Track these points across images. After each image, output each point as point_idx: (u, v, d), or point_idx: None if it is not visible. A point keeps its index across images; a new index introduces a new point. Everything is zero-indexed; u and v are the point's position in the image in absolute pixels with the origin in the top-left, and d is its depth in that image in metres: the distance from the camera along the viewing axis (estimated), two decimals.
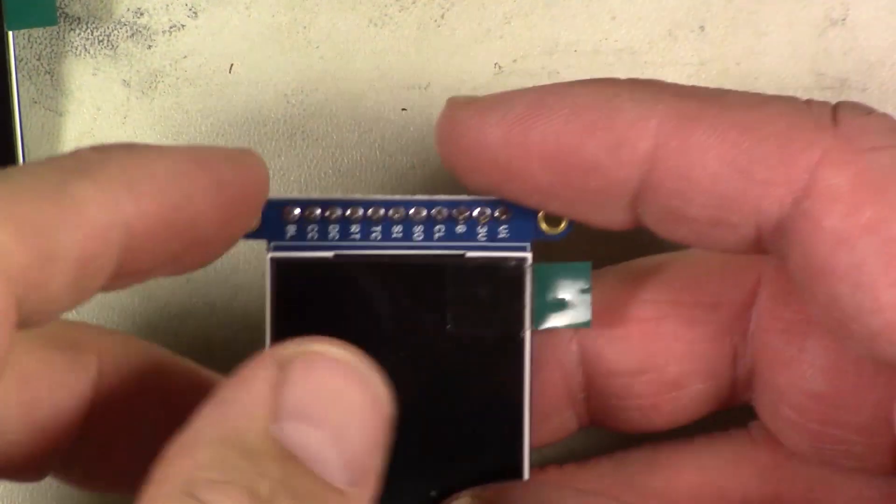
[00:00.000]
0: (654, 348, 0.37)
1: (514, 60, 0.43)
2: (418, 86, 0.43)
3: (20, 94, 0.41)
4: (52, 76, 0.43)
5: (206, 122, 0.43)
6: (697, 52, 0.43)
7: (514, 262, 0.35)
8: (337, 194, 0.36)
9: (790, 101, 0.33)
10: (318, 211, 0.36)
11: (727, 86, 0.43)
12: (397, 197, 0.36)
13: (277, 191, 0.43)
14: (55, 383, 0.35)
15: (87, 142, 0.43)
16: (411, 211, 0.36)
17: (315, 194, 0.36)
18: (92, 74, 0.43)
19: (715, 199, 0.32)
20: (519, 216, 0.36)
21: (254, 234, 0.36)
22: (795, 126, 0.32)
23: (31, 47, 0.43)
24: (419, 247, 0.36)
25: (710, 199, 0.32)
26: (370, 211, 0.35)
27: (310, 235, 0.36)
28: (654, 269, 0.39)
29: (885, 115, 0.32)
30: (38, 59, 0.43)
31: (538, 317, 0.36)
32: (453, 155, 0.35)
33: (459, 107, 0.34)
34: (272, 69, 0.43)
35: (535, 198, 0.35)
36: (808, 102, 0.33)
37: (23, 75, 0.42)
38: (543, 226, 0.36)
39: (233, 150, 0.34)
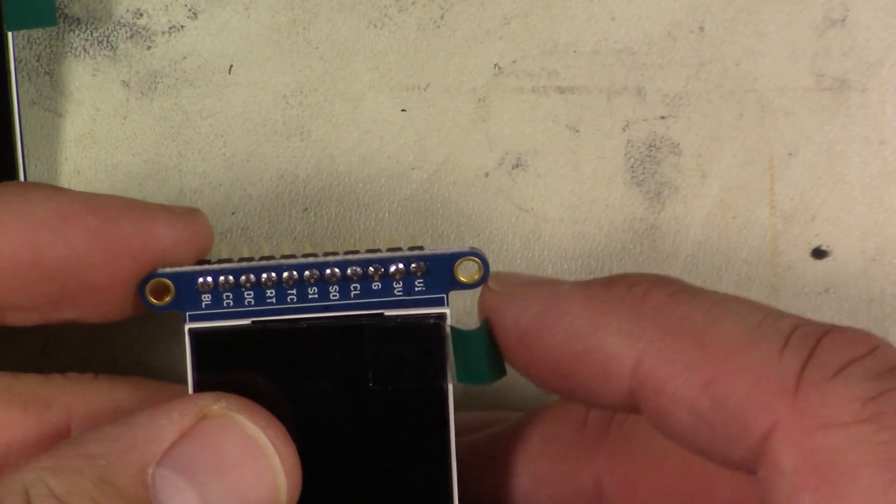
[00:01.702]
0: None
1: (514, 61, 0.43)
2: (418, 86, 0.43)
3: (19, 94, 0.41)
4: (51, 77, 0.43)
5: (206, 123, 0.43)
6: (697, 53, 0.43)
7: (432, 320, 0.36)
8: (252, 261, 0.36)
9: (766, 346, 0.33)
10: (232, 278, 0.36)
11: (727, 85, 0.43)
12: (310, 259, 0.36)
13: (278, 193, 0.43)
14: (9, 442, 0.36)
15: (86, 143, 0.43)
16: (326, 272, 0.35)
17: (229, 263, 0.36)
18: (91, 75, 0.43)
19: (691, 442, 0.33)
20: (435, 269, 0.36)
21: (168, 306, 0.36)
22: (757, 388, 0.32)
23: (30, 48, 0.43)
24: (336, 307, 0.36)
25: (688, 440, 0.33)
26: (284, 275, 0.36)
27: (226, 303, 0.36)
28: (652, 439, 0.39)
29: (857, 375, 0.32)
30: (38, 60, 0.43)
31: (458, 371, 0.36)
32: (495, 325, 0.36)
33: (488, 293, 0.36)
34: (271, 70, 0.43)
35: (552, 389, 0.36)
36: (784, 347, 0.32)
37: (22, 76, 0.42)
38: (460, 277, 0.36)
39: (155, 207, 0.35)
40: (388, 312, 0.36)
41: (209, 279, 0.35)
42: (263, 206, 0.43)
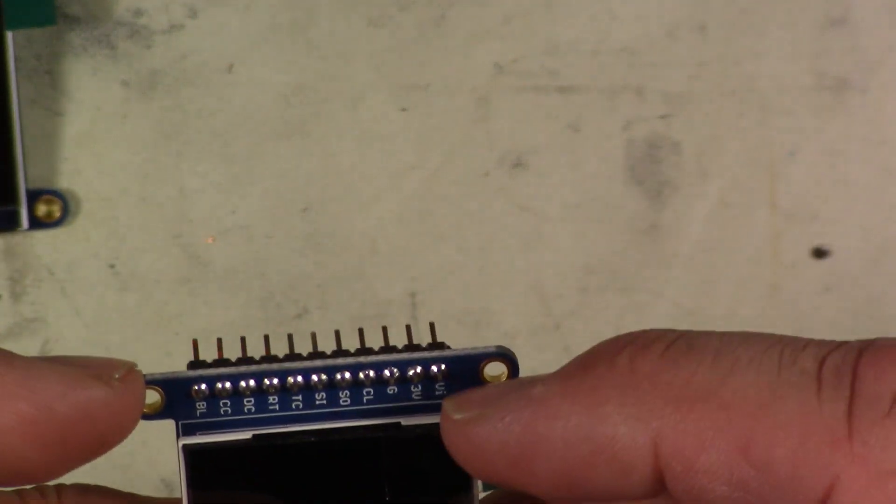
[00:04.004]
0: None
1: (514, 60, 0.43)
2: (418, 86, 0.43)
3: (19, 93, 0.41)
4: (51, 76, 0.43)
5: (206, 123, 0.43)
6: (697, 52, 0.43)
7: None
8: (252, 364, 0.32)
9: (797, 391, 0.29)
10: (230, 385, 0.32)
11: (727, 85, 0.43)
12: (318, 362, 0.32)
13: (278, 193, 0.43)
14: None
15: (86, 142, 0.43)
16: (336, 377, 0.32)
17: (225, 368, 0.32)
18: (91, 74, 0.43)
19: None
20: (457, 371, 0.32)
21: (158, 416, 0.32)
22: (807, 441, 0.29)
23: (30, 47, 0.43)
24: (347, 414, 0.32)
25: None
26: (289, 381, 0.32)
27: (223, 410, 0.32)
28: None
29: None
30: (38, 59, 0.43)
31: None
32: (461, 462, 0.32)
33: (454, 423, 0.32)
34: (272, 69, 0.43)
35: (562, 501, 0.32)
36: (819, 395, 0.29)
37: (22, 75, 0.42)
38: (487, 380, 0.32)
39: (90, 381, 0.30)
40: (405, 422, 0.32)
41: (203, 387, 0.32)
42: (263, 206, 0.43)
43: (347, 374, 0.32)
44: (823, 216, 0.44)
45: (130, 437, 0.44)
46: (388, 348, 0.32)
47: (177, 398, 0.32)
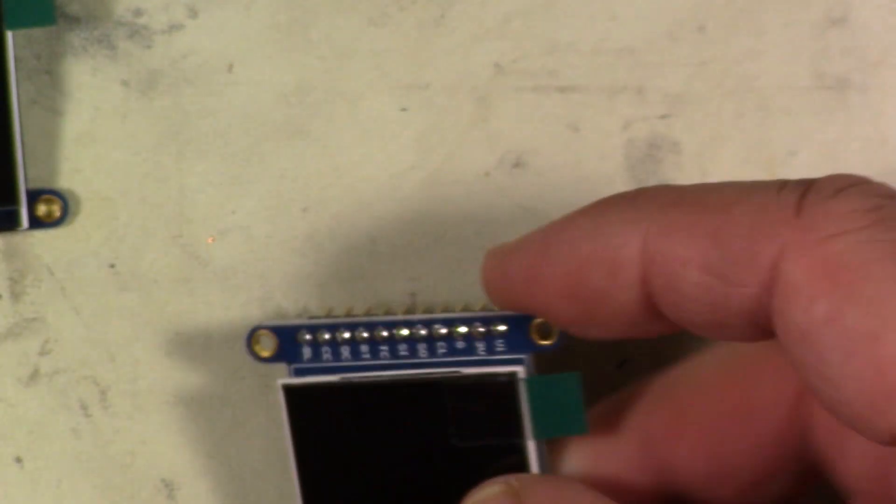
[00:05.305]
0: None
1: (514, 60, 0.43)
2: (418, 85, 0.43)
3: (19, 93, 0.41)
4: (50, 76, 0.43)
5: (206, 122, 0.43)
6: (697, 52, 0.43)
7: (504, 377, 0.36)
8: (343, 315, 0.39)
9: (763, 191, 0.34)
10: (328, 335, 0.38)
11: (727, 85, 0.43)
12: (399, 317, 0.38)
13: (278, 193, 0.43)
14: None
15: (86, 142, 0.43)
16: (413, 330, 0.37)
17: (323, 318, 0.39)
18: (91, 74, 0.43)
19: (706, 306, 0.34)
20: (513, 330, 0.37)
21: (273, 359, 0.38)
22: (760, 222, 0.33)
23: (29, 47, 0.43)
24: (424, 364, 0.37)
25: (702, 307, 0.34)
26: (374, 332, 0.38)
27: (325, 357, 0.38)
28: (694, 384, 0.40)
29: (855, 193, 0.33)
30: (37, 59, 0.43)
31: (537, 427, 0.37)
32: (492, 295, 0.37)
33: (489, 255, 0.37)
34: (272, 69, 0.43)
35: (565, 323, 0.36)
36: (781, 188, 0.33)
37: (21, 75, 0.42)
38: (535, 338, 0.37)
39: None
40: (465, 370, 0.37)
41: (307, 334, 0.38)
42: (263, 206, 0.43)
43: (422, 329, 0.37)
44: None
45: (130, 436, 0.44)
46: (469, 310, 0.38)
47: (288, 344, 0.38)
